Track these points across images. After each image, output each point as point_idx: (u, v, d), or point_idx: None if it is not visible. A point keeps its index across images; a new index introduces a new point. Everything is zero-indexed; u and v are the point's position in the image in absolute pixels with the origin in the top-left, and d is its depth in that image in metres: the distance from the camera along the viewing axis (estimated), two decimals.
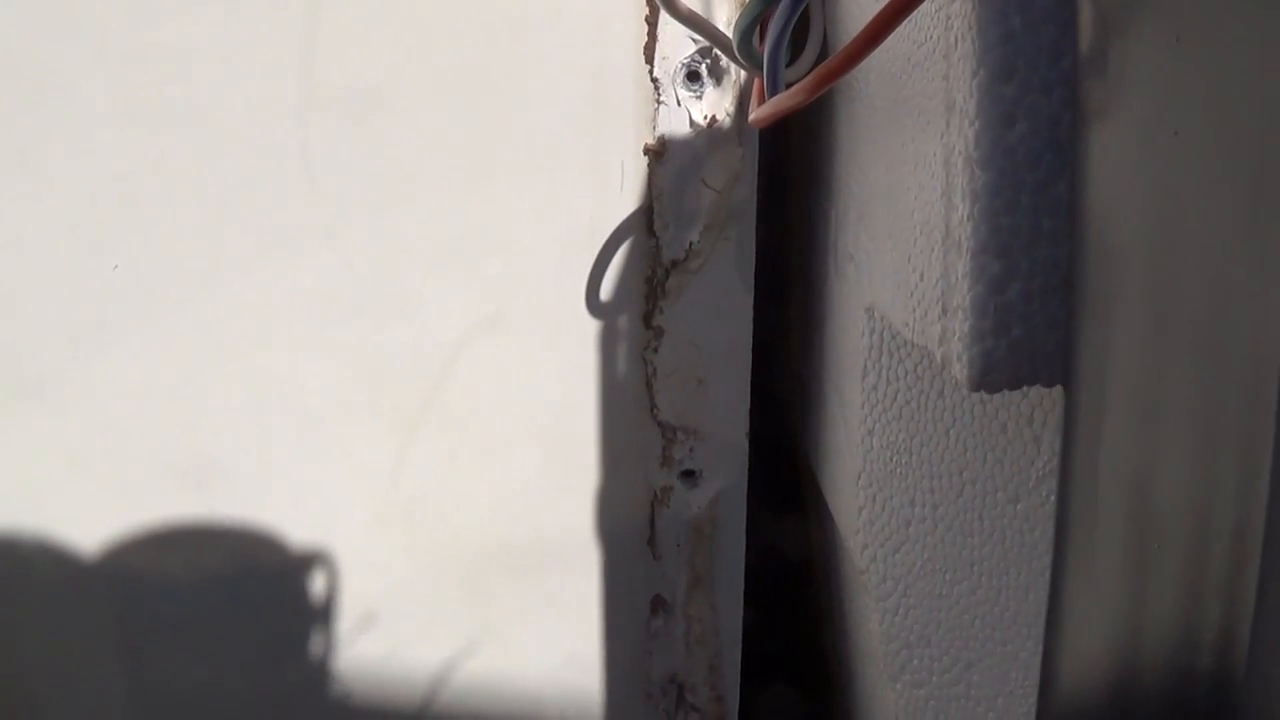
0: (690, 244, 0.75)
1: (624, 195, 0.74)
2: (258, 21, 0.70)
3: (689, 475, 0.80)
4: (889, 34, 0.38)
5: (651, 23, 0.72)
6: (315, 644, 0.82)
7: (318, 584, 0.81)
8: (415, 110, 0.72)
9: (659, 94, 0.73)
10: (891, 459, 0.62)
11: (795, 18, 0.47)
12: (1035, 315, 0.44)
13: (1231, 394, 0.29)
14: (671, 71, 0.72)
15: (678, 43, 0.72)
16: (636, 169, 0.73)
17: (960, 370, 0.45)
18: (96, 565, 0.80)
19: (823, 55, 0.70)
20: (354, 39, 0.71)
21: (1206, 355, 0.31)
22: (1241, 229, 0.29)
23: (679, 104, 0.73)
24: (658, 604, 0.83)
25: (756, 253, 0.76)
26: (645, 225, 0.74)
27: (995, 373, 0.44)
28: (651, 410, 0.78)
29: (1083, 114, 0.41)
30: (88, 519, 0.78)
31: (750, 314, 0.77)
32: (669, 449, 0.79)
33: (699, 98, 0.73)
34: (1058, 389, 0.50)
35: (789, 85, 0.47)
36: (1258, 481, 0.28)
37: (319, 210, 0.73)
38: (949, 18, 0.45)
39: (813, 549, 1.01)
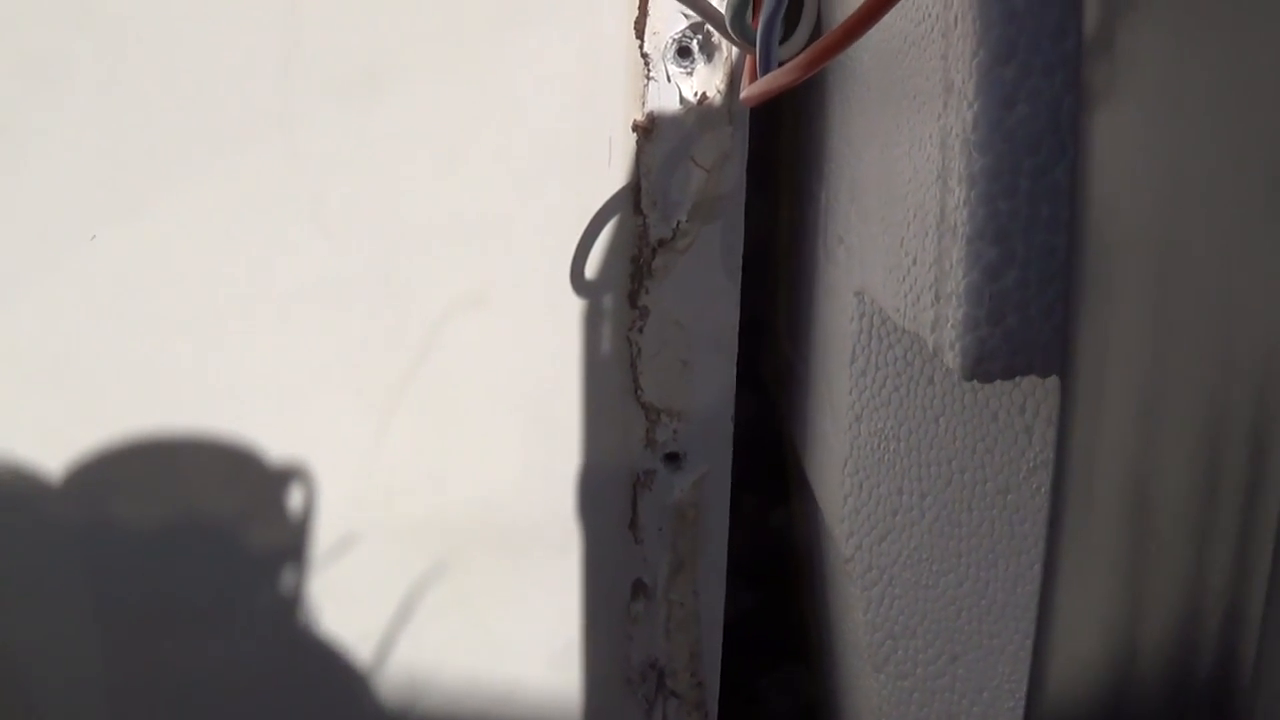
0: (678, 223, 0.73)
1: (611, 172, 0.72)
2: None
3: (673, 458, 0.79)
4: (887, 11, 0.37)
5: None
6: (291, 620, 0.81)
7: (294, 561, 0.79)
8: (400, 83, 0.70)
9: (649, 70, 0.71)
10: (879, 446, 0.61)
11: None
12: (1031, 304, 0.43)
13: (1238, 389, 0.28)
14: (662, 47, 0.71)
15: (669, 18, 0.70)
16: (625, 146, 0.72)
17: (953, 359, 0.44)
18: (70, 531, 0.78)
19: (816, 33, 0.68)
20: (341, 12, 0.69)
21: (1212, 348, 0.30)
22: (1254, 215, 0.28)
23: (669, 80, 0.71)
24: (638, 588, 0.82)
25: (745, 235, 0.75)
26: (632, 203, 0.73)
27: (989, 362, 0.43)
28: (635, 391, 0.77)
29: (1086, 97, 0.40)
30: (58, 486, 0.77)
31: (737, 295, 0.76)
32: (652, 431, 0.78)
33: (690, 74, 0.71)
34: (1052, 379, 0.49)
35: (782, 63, 0.45)
36: (1265, 480, 0.27)
37: (302, 184, 0.72)
38: None
39: (798, 537, 1.00)
